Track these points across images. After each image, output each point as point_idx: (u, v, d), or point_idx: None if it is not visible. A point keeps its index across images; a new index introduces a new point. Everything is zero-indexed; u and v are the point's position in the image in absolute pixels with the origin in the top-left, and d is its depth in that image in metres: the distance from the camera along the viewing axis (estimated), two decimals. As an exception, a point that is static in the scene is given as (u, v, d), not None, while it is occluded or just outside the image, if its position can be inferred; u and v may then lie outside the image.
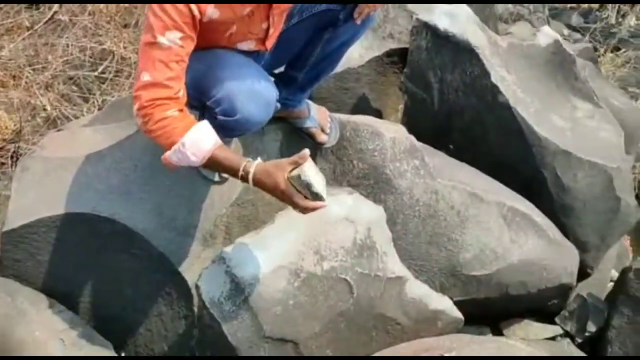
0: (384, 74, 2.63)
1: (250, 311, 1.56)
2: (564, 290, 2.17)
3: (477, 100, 2.38)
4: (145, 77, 1.33)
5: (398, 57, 2.62)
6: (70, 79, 3.09)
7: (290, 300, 1.61)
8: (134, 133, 1.89)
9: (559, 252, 2.14)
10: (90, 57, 3.07)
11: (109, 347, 1.79)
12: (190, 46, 1.35)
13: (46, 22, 3.27)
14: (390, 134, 1.92)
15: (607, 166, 2.28)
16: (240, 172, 1.37)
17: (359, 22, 1.57)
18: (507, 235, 2.06)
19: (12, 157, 2.64)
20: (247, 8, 1.42)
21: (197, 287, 1.59)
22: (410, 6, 2.61)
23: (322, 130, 1.87)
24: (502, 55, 2.47)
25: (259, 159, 1.39)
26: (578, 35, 4.77)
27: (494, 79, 2.33)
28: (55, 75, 3.02)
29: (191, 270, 1.80)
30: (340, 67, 2.14)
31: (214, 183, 1.83)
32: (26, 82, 2.93)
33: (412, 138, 1.97)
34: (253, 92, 1.42)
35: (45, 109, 2.88)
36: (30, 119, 2.86)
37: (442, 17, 2.35)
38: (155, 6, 1.30)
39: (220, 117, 1.41)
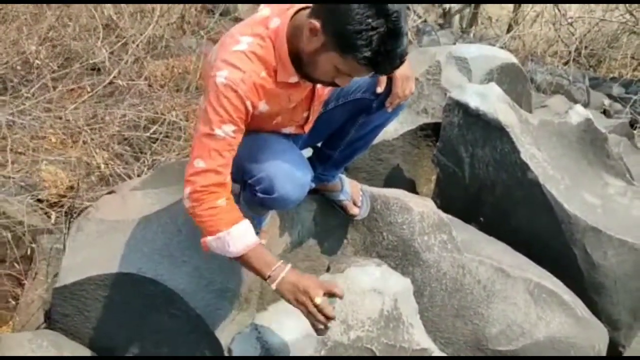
0: (418, 146, 2.75)
1: (278, 376, 1.65)
2: (592, 369, 2.17)
3: (507, 176, 2.46)
4: (200, 164, 1.48)
5: (431, 131, 2.76)
6: (125, 139, 3.32)
7: (316, 368, 1.69)
8: (180, 199, 2.02)
9: (587, 330, 2.16)
10: (144, 120, 3.30)
11: (146, 404, 1.88)
12: (240, 137, 1.50)
13: (105, 86, 3.54)
14: (419, 208, 2.02)
15: (637, 244, 2.31)
16: (267, 276, 1.49)
17: (390, 110, 1.70)
18: (534, 312, 2.09)
19: (66, 213, 2.83)
20: (293, 103, 1.57)
21: (229, 350, 1.69)
22: (444, 84, 2.74)
23: (354, 203, 1.98)
24: (533, 133, 2.56)
25: (289, 266, 1.51)
26: (619, 106, 4.82)
27: (523, 156, 2.41)
28: (111, 136, 3.25)
29: (225, 332, 1.88)
30: (375, 140, 2.23)
31: None
32: (84, 142, 3.16)
33: (441, 213, 2.06)
34: (291, 175, 1.56)
35: (99, 168, 3.09)
36: (85, 177, 3.07)
37: (473, 96, 2.47)
38: (214, 99, 1.45)
39: (259, 195, 1.54)
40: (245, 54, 1.43)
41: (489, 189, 2.51)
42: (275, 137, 1.62)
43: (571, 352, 2.13)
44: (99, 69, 3.68)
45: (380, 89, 1.69)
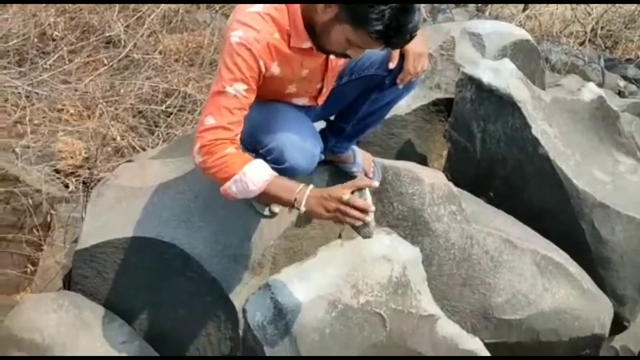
0: (430, 121, 2.79)
1: (290, 336, 1.72)
2: (596, 341, 2.23)
3: (518, 151, 2.51)
4: (210, 121, 1.52)
5: (444, 107, 2.80)
6: (140, 112, 3.39)
7: (327, 329, 1.76)
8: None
9: (592, 303, 2.22)
10: (159, 93, 3.36)
11: (161, 361, 1.97)
12: (252, 97, 1.54)
13: (121, 59, 3.61)
14: (429, 179, 2.07)
15: (645, 220, 2.34)
16: (294, 199, 1.49)
17: (401, 87, 1.75)
18: (540, 283, 2.16)
19: (83, 182, 2.91)
20: (305, 70, 1.61)
21: (243, 310, 1.77)
22: (458, 59, 2.78)
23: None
24: (545, 109, 2.60)
25: (312, 186, 1.51)
26: (634, 88, 4.83)
27: (534, 131, 2.46)
28: (126, 109, 3.32)
29: (239, 296, 1.95)
30: (387, 114, 2.28)
31: (265, 217, 2.00)
32: (100, 114, 3.23)
33: (451, 185, 2.11)
34: (301, 146, 1.61)
35: (114, 139, 3.16)
36: (101, 148, 3.14)
37: (486, 71, 2.51)
38: (227, 58, 1.49)
39: (270, 165, 1.59)
40: (259, 14, 1.47)
41: (500, 164, 2.56)
42: (287, 107, 1.67)
43: (576, 324, 2.19)
44: (114, 42, 3.74)
45: (392, 65, 1.72)
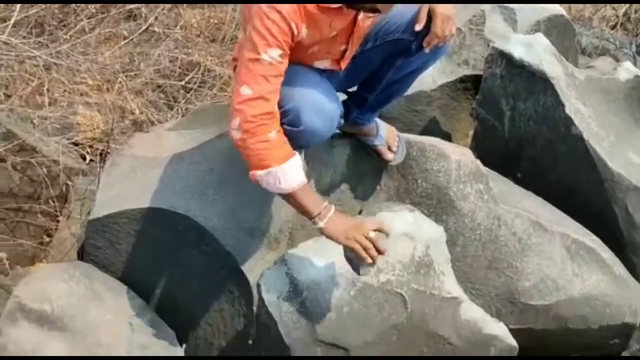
0: (457, 99, 2.68)
1: (306, 314, 1.64)
2: (626, 330, 2.13)
3: (549, 131, 2.39)
4: (247, 91, 1.44)
5: (471, 84, 2.68)
6: (159, 86, 3.32)
7: (345, 308, 1.68)
8: (214, 138, 2.02)
9: (624, 290, 2.10)
10: (179, 68, 3.29)
11: (172, 336, 1.91)
12: (287, 62, 1.47)
13: (141, 32, 3.53)
14: (456, 156, 1.97)
15: (681, 206, 2.22)
16: (317, 213, 1.50)
17: (427, 51, 1.64)
18: (570, 268, 2.05)
19: (100, 154, 2.86)
20: (333, 32, 1.52)
21: (258, 286, 1.69)
22: (488, 35, 2.65)
23: (389, 149, 1.93)
24: (579, 88, 2.46)
25: (333, 208, 1.52)
26: (667, 74, 4.61)
27: (568, 110, 2.33)
28: (146, 83, 3.25)
29: (253, 271, 1.88)
30: (412, 90, 2.23)
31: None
32: (119, 87, 3.17)
33: (478, 162, 2.01)
34: (319, 108, 1.52)
35: (133, 113, 3.10)
36: (120, 121, 3.08)
37: (518, 46, 2.38)
38: (258, 22, 1.40)
39: (286, 127, 1.51)
40: None
41: (529, 144, 2.44)
42: (307, 69, 1.59)
43: (606, 311, 2.09)
44: (135, 16, 3.67)
45: (419, 27, 1.62)
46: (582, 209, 2.31)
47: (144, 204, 1.96)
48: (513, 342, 1.93)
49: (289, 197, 1.52)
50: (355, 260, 1.53)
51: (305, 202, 1.50)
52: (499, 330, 1.91)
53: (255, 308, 1.78)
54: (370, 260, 1.49)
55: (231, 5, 3.79)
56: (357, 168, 1.99)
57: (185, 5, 3.76)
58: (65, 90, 3.10)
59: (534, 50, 2.36)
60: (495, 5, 2.69)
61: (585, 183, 2.34)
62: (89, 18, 3.36)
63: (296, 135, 1.55)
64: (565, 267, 2.03)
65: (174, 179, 1.99)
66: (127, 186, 2.04)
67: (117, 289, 2.01)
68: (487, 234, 1.98)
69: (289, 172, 1.48)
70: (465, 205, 1.96)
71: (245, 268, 1.90)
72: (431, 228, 1.86)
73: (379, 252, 1.49)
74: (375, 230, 1.50)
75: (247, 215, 1.93)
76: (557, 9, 2.80)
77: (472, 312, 1.87)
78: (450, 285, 1.85)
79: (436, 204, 1.96)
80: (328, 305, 1.66)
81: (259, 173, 1.49)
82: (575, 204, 2.32)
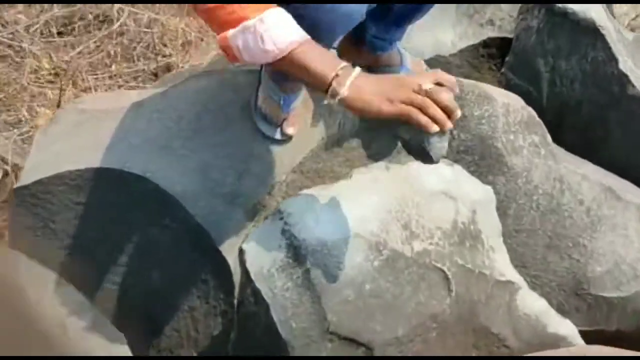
0: (479, 68, 2.26)
1: (311, 290, 1.14)
2: None
3: (598, 93, 1.96)
4: None
5: (497, 49, 2.23)
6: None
7: (367, 284, 1.18)
8: (183, 80, 1.56)
9: None
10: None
11: (121, 340, 1.38)
12: None
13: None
14: (503, 99, 1.53)
15: None
16: (332, 76, 0.96)
17: None
18: (650, 249, 1.57)
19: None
20: None
21: (240, 252, 1.19)
22: (516, -12, 2.25)
23: None
24: (628, 48, 2.05)
25: (358, 69, 0.99)
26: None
27: (622, 66, 1.92)
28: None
29: (235, 250, 1.40)
30: (427, 54, 1.95)
31: (275, 142, 1.46)
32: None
33: (531, 109, 1.58)
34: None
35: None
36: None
37: (558, -7, 1.97)
38: None
39: (298, 9, 1.02)
40: None
41: (573, 111, 2.01)
42: None
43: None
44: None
45: None
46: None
47: (86, 165, 1.48)
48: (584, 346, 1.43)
49: (285, 64, 1.00)
50: (414, 138, 0.98)
51: (311, 62, 0.97)
52: (568, 330, 1.43)
53: (237, 292, 1.26)
54: (436, 127, 0.93)
55: None
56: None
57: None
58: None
59: None
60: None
61: (645, 156, 1.89)
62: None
63: (313, 14, 1.06)
64: (644, 247, 1.55)
65: (130, 132, 1.52)
66: (67, 145, 1.57)
67: (49, 282, 1.51)
68: (547, 200, 1.52)
69: (276, 23, 0.97)
70: (518, 162, 1.51)
71: (223, 248, 1.41)
72: (477, 187, 1.41)
73: (448, 113, 0.95)
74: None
75: (227, 176, 1.46)
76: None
77: (532, 302, 1.41)
78: (504, 266, 1.38)
79: (479, 161, 1.50)
80: (344, 279, 1.16)
81: (230, 33, 0.99)
82: (636, 182, 1.87)
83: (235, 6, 0.97)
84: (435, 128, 0.93)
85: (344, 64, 0.98)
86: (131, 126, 1.52)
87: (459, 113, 0.96)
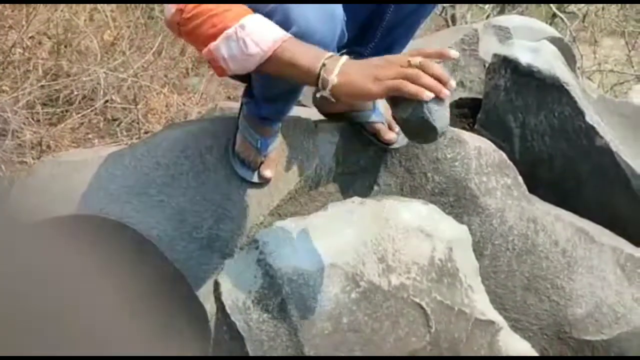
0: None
1: (287, 322, 1.11)
2: None
3: (568, 146, 2.00)
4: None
5: (469, 109, 2.30)
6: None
7: (344, 317, 1.15)
8: (162, 129, 1.59)
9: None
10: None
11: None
12: None
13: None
14: (474, 142, 1.57)
15: None
16: (319, 66, 0.98)
17: None
18: (629, 291, 1.57)
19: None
20: None
21: (216, 285, 1.16)
22: (483, 55, 2.36)
23: (390, 128, 1.54)
24: (593, 106, 2.14)
25: (345, 57, 1.01)
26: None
27: (589, 119, 1.97)
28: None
29: (212, 297, 1.36)
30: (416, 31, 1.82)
31: (253, 185, 1.47)
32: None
33: (503, 154, 1.61)
34: (312, 3, 1.10)
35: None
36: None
37: (524, 52, 2.07)
38: None
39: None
40: None
41: (545, 166, 2.04)
42: None
43: (682, 351, 1.56)
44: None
45: None
46: (621, 236, 1.86)
47: (61, 212, 1.46)
48: (572, 391, 1.39)
49: (272, 65, 1.02)
50: (413, 113, 0.93)
51: (297, 56, 0.99)
52: (553, 372, 1.37)
53: (212, 327, 1.22)
54: (429, 93, 0.91)
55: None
56: (348, 162, 1.57)
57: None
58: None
59: (542, 55, 2.05)
60: (489, 25, 2.41)
61: (618, 204, 1.92)
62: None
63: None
64: (622, 289, 1.56)
65: (107, 179, 1.52)
66: (43, 197, 1.54)
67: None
68: (522, 241, 1.52)
69: (256, 27, 1.01)
70: (492, 202, 1.52)
71: (201, 293, 1.40)
72: (452, 226, 1.40)
73: (439, 79, 0.93)
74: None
75: (204, 220, 1.46)
76: (555, 32, 2.55)
77: (514, 343, 1.36)
78: (484, 305, 1.35)
79: (454, 202, 1.52)
80: (321, 311, 1.12)
81: (213, 45, 1.03)
82: (611, 231, 1.88)
83: (215, 19, 1.01)
84: (429, 94, 0.92)
85: (329, 53, 1.01)
86: (108, 175, 1.52)
87: (453, 84, 0.95)
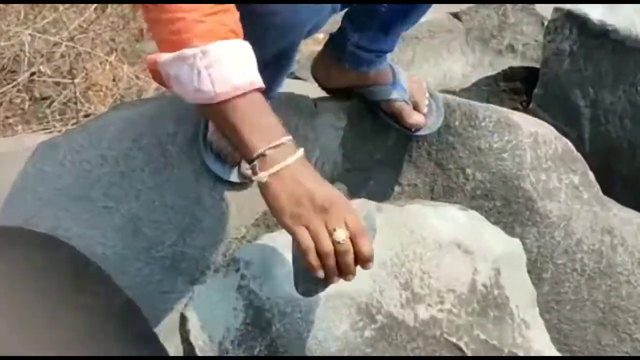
0: (498, 104, 2.40)
1: (279, 370, 1.13)
2: None
3: (656, 132, 2.11)
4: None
5: (521, 83, 2.45)
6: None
7: (356, 362, 1.18)
8: (107, 110, 1.63)
9: None
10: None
11: None
12: None
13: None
14: (530, 127, 1.62)
15: None
16: (257, 153, 1.06)
17: None
18: None
19: None
20: None
21: (182, 319, 1.19)
22: (541, 10, 2.46)
23: (415, 108, 1.58)
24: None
25: (302, 151, 1.09)
26: None
27: (685, 95, 2.04)
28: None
29: (177, 334, 1.38)
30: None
31: (232, 186, 1.53)
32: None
33: (568, 141, 1.67)
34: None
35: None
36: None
37: (594, 7, 2.14)
38: None
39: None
40: None
41: (625, 156, 2.13)
42: None
43: None
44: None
45: None
46: None
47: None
48: None
49: (214, 113, 1.08)
50: (299, 265, 1.10)
51: (243, 122, 1.06)
52: None
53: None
54: (319, 273, 1.04)
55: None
56: (359, 155, 1.65)
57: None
58: None
59: (620, 9, 2.12)
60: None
61: None
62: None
63: (262, 29, 1.19)
64: None
65: (35, 179, 1.56)
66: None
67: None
68: (595, 260, 1.59)
69: (223, 60, 1.05)
70: (553, 208, 1.58)
71: (162, 331, 1.47)
72: (500, 240, 1.43)
73: (345, 264, 1.05)
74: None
75: (165, 233, 1.53)
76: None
77: None
78: (543, 346, 1.41)
79: (502, 208, 1.59)
80: (324, 355, 1.16)
81: (163, 58, 1.07)
82: None
83: (181, 25, 1.04)
84: (317, 273, 1.04)
85: (283, 139, 1.07)
86: (36, 173, 1.55)
87: (370, 265, 1.07)
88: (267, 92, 1.42)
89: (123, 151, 1.53)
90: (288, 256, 1.17)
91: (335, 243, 1.03)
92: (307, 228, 1.03)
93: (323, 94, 1.64)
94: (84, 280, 1.46)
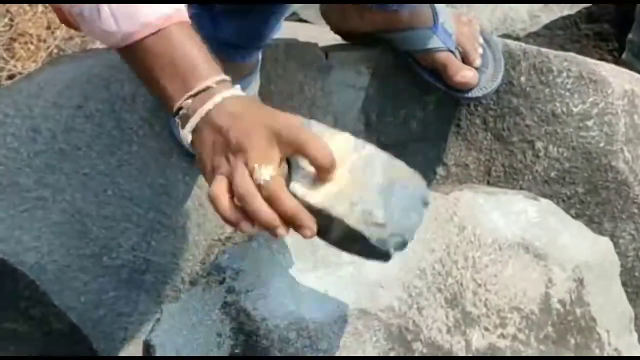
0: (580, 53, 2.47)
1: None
2: None
3: None
4: None
5: (611, 25, 2.51)
6: None
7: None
8: (39, 68, 1.73)
9: None
10: None
11: None
12: None
13: None
14: (624, 83, 1.67)
15: None
16: (190, 94, 1.10)
17: None
18: None
19: None
20: None
21: (147, 348, 1.22)
22: None
23: (465, 60, 1.62)
24: None
25: (235, 90, 1.13)
26: None
27: None
28: None
29: (138, 365, 1.52)
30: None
31: None
32: None
33: None
34: None
35: None
36: None
37: None
38: None
39: None
40: None
41: None
42: None
43: None
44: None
45: None
46: None
47: None
48: None
49: (129, 56, 1.14)
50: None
51: (163, 71, 1.11)
52: None
53: None
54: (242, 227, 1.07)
55: None
56: (388, 120, 1.70)
57: None
58: None
59: None
60: None
61: None
62: None
63: None
64: None
65: None
66: None
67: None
68: None
69: None
70: None
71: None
72: (585, 241, 1.49)
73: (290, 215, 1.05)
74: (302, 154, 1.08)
75: (123, 234, 1.58)
76: None
77: None
78: None
79: (585, 194, 1.66)
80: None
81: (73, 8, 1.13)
82: None
83: None
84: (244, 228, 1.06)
85: (219, 77, 1.11)
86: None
87: (314, 227, 1.06)
88: (258, 41, 1.47)
89: (63, 121, 1.57)
90: (291, 261, 1.20)
91: (257, 185, 1.04)
92: (219, 174, 1.06)
93: (337, 40, 1.67)
94: (11, 301, 1.53)
